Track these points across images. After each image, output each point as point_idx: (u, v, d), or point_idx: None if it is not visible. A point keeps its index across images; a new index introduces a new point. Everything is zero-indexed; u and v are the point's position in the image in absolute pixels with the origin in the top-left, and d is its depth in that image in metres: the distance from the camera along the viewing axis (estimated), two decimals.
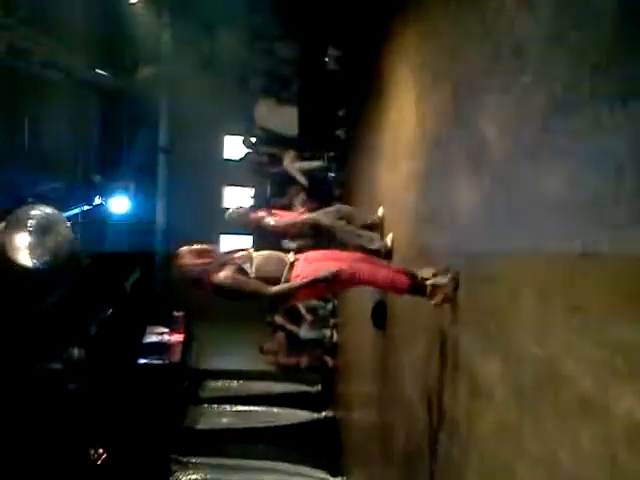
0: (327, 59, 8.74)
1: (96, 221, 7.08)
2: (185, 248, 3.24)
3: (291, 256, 3.22)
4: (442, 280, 2.96)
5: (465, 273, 2.87)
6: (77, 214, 5.79)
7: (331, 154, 9.15)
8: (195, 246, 3.24)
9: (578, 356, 1.72)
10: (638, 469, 1.42)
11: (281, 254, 3.28)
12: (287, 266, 3.14)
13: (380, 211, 5.16)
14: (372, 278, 3.13)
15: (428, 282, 3.00)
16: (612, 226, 1.56)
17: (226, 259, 3.22)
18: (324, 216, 4.57)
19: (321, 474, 7.77)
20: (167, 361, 9.39)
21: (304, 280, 3.04)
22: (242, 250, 3.30)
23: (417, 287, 3.07)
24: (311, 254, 3.32)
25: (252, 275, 3.13)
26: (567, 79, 1.84)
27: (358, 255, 3.52)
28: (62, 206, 4.87)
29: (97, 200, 6.66)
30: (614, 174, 1.55)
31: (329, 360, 9.46)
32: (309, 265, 3.15)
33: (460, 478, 2.78)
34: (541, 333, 1.97)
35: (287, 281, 3.09)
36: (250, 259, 3.20)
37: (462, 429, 2.78)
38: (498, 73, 2.48)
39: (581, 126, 1.74)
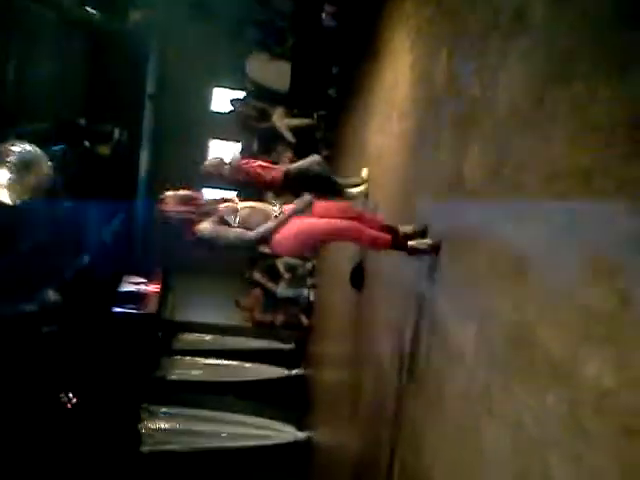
0: (323, 14, 8.55)
1: (79, 164, 6.94)
2: (170, 193, 3.20)
3: (277, 208, 3.19)
4: (422, 245, 2.99)
5: (446, 238, 2.89)
6: (60, 155, 5.67)
7: (321, 112, 9.05)
8: (180, 192, 3.21)
9: (551, 321, 1.76)
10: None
11: (267, 206, 3.26)
12: (272, 218, 3.13)
13: (364, 172, 5.15)
14: (357, 235, 3.14)
15: (410, 243, 3.02)
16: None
17: (210, 209, 3.20)
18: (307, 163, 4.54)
19: (288, 428, 7.93)
20: (142, 311, 9.39)
21: (282, 217, 3.06)
22: (228, 201, 3.28)
23: (399, 245, 3.10)
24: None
25: (235, 226, 3.12)
26: (566, 47, 1.83)
27: (344, 208, 3.50)
28: (45, 146, 4.76)
29: (82, 142, 6.54)
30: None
31: (304, 319, 9.55)
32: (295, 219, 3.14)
33: (423, 439, 2.85)
34: (517, 299, 2.00)
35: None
36: (235, 211, 3.18)
37: (431, 390, 2.84)
38: (495, 40, 2.45)
39: (578, 94, 1.74)
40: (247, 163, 4.45)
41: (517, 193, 2.10)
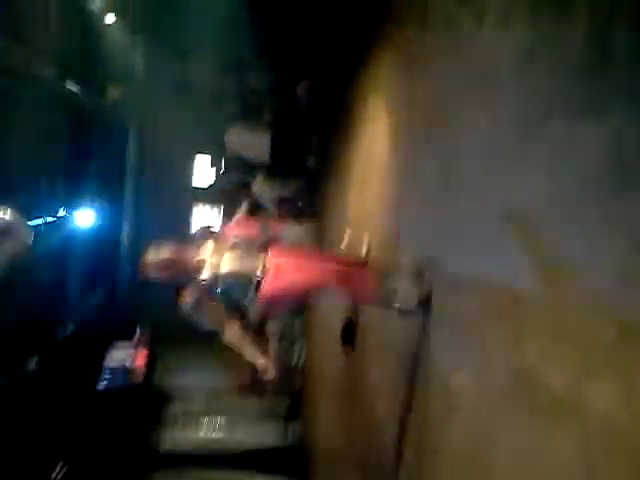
0: (298, 88, 8.88)
1: (59, 233, 6.88)
2: (153, 257, 3.13)
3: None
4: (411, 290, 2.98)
5: (436, 286, 2.89)
6: (40, 225, 5.64)
7: (301, 180, 9.22)
8: (162, 255, 3.13)
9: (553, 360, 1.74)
10: None
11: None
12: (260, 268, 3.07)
13: (347, 234, 5.16)
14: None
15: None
16: None
17: (192, 274, 3.11)
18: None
19: None
20: (129, 382, 9.08)
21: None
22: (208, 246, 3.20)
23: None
24: (282, 260, 3.16)
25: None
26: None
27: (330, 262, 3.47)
28: (25, 215, 4.73)
29: (61, 212, 6.53)
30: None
31: (296, 380, 9.32)
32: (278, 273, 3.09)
33: None
34: (515, 342, 1.98)
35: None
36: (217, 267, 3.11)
37: (431, 446, 2.76)
38: (471, 98, 2.56)
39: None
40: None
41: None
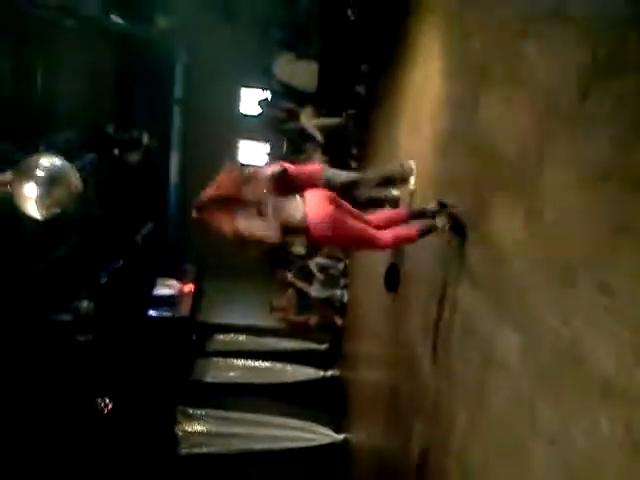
0: (349, 11, 8.43)
1: (109, 172, 6.99)
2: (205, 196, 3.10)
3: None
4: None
5: (482, 238, 2.77)
6: (89, 165, 5.70)
7: (350, 111, 8.93)
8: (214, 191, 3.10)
9: (602, 335, 1.64)
10: None
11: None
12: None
13: (412, 165, 4.91)
14: (374, 241, 3.14)
15: (438, 220, 3.07)
16: None
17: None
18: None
19: (325, 430, 7.86)
20: (176, 314, 9.44)
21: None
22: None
23: (426, 231, 3.18)
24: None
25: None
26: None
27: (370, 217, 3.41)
28: (73, 156, 4.78)
29: (110, 151, 6.57)
30: None
31: (338, 319, 9.48)
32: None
33: (466, 450, 2.75)
34: (564, 308, 1.88)
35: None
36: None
37: (472, 398, 2.73)
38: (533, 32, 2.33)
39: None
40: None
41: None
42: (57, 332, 5.23)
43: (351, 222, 3.10)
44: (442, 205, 3.24)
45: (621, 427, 1.52)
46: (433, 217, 3.17)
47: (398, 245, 3.48)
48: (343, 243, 3.28)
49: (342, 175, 3.83)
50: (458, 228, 3.03)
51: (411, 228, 3.23)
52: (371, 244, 3.20)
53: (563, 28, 2.04)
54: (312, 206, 3.02)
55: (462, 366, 2.92)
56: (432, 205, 3.31)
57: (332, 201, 3.09)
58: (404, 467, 4.07)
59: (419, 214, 3.36)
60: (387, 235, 3.19)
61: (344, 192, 3.49)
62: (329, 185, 3.49)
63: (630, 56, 1.62)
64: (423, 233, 3.20)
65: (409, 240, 3.26)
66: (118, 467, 6.28)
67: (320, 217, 2.98)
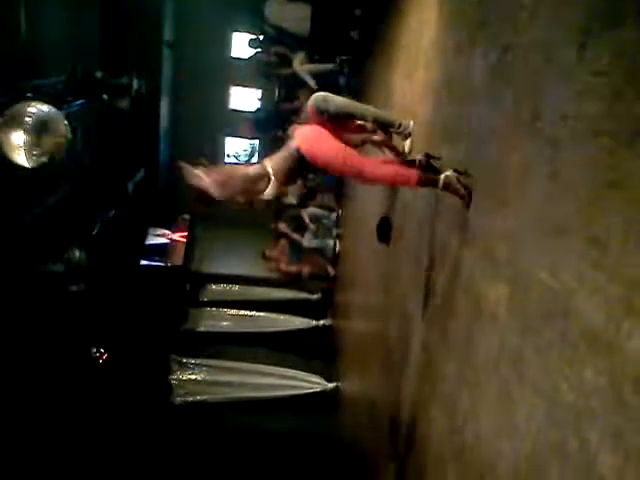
0: None
1: (97, 119, 6.85)
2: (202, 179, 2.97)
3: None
4: (452, 176, 2.89)
5: (478, 191, 2.76)
6: (77, 111, 5.57)
7: (344, 57, 8.73)
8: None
9: (591, 289, 1.65)
10: None
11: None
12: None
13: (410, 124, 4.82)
14: (376, 172, 3.07)
15: (441, 175, 2.92)
16: None
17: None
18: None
19: (316, 379, 8.03)
20: (169, 263, 9.45)
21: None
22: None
23: (426, 182, 3.04)
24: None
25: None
26: None
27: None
28: (62, 102, 4.67)
29: (99, 96, 6.42)
30: None
31: (330, 269, 9.54)
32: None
33: (453, 398, 2.81)
34: (554, 262, 1.89)
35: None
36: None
37: (461, 348, 2.78)
38: None
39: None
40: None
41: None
42: (49, 282, 5.22)
43: (337, 144, 3.03)
44: (428, 157, 3.20)
45: (605, 379, 1.55)
46: (436, 173, 3.03)
47: (396, 182, 3.37)
48: (337, 165, 3.10)
49: (337, 100, 3.56)
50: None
51: (412, 172, 3.08)
52: (365, 170, 3.05)
53: None
54: (301, 134, 3.02)
55: (451, 317, 2.96)
56: (419, 157, 3.25)
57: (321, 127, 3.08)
58: (394, 416, 4.18)
59: (410, 164, 3.25)
60: (387, 169, 3.11)
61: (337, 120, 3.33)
62: (320, 111, 3.33)
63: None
64: (423, 183, 3.07)
65: (408, 182, 3.12)
66: (113, 416, 6.40)
67: (309, 137, 3.00)
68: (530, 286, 2.05)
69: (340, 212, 9.32)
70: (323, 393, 7.86)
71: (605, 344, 1.57)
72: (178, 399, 7.61)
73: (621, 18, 1.61)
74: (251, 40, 9.69)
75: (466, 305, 2.75)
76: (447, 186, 2.91)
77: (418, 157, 3.26)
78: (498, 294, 2.35)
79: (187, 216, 10.55)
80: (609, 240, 1.58)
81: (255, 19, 9.64)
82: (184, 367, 7.91)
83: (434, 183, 2.97)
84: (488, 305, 2.46)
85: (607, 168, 1.62)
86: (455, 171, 2.91)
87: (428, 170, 3.14)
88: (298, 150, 2.97)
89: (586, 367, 1.64)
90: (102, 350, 6.31)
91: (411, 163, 3.23)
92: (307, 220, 9.48)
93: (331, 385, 7.91)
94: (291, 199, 9.92)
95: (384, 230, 4.57)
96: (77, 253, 5.34)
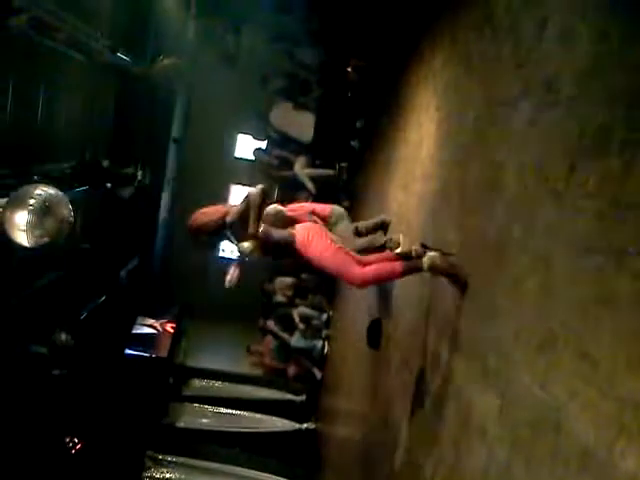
0: (349, 69, 8.69)
1: (100, 205, 6.99)
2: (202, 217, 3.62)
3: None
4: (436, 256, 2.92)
5: (469, 300, 2.79)
6: (81, 196, 5.71)
7: (343, 164, 9.09)
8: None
9: (583, 405, 1.64)
10: None
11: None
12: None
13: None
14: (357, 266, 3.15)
15: (424, 258, 2.94)
16: None
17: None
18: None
19: None
20: (153, 354, 9.26)
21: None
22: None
23: (412, 269, 3.09)
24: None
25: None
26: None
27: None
28: (68, 187, 4.79)
29: (103, 184, 6.60)
30: None
31: (317, 372, 9.34)
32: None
33: None
34: (545, 375, 1.89)
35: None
36: None
37: (447, 460, 2.70)
38: (526, 105, 2.41)
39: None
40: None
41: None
42: (32, 364, 5.10)
43: (331, 242, 3.23)
44: (424, 247, 3.28)
45: None
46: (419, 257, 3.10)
47: (382, 279, 3.43)
48: (322, 260, 3.22)
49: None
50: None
51: (396, 264, 3.16)
52: (348, 270, 3.13)
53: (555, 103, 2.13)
54: (299, 229, 3.30)
55: (439, 428, 2.90)
56: (415, 247, 3.32)
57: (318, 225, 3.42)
58: None
59: (405, 257, 3.33)
60: (369, 268, 3.14)
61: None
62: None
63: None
64: (408, 270, 3.11)
65: (393, 274, 3.18)
66: None
67: (304, 232, 3.25)
68: (520, 398, 2.03)
69: (331, 313, 9.28)
70: None
71: (598, 463, 1.53)
72: None
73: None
74: (256, 150, 10.13)
75: (454, 415, 2.70)
76: (433, 268, 2.90)
77: (414, 247, 3.32)
78: (487, 405, 2.32)
79: (177, 306, 10.48)
80: (599, 357, 1.60)
81: (260, 121, 10.12)
82: (159, 464, 7.53)
83: (419, 268, 2.99)
84: (476, 416, 2.42)
85: (596, 284, 1.66)
86: (439, 251, 2.97)
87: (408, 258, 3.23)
88: (292, 238, 3.22)
89: None
90: (76, 440, 6.03)
91: (407, 257, 3.29)
92: (297, 320, 9.42)
93: None
94: (281, 297, 9.92)
95: (374, 334, 4.55)
96: (63, 336, 5.26)
